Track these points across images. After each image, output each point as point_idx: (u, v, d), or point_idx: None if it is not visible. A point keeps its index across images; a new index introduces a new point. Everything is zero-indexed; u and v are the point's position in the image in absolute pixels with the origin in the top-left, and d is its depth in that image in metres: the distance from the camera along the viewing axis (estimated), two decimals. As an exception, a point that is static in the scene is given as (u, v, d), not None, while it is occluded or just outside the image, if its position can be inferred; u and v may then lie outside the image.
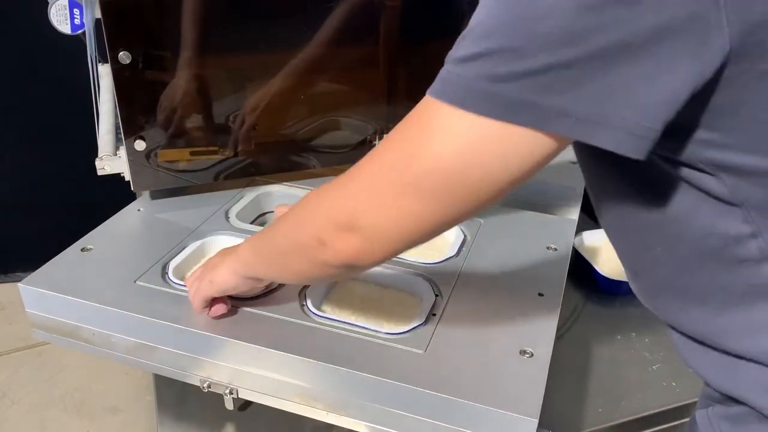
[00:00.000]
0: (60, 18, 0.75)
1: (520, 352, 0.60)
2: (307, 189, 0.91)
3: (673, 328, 0.50)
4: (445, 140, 0.38)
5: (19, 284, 0.67)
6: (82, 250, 0.74)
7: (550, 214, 0.89)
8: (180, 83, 0.80)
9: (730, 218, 0.40)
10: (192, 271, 0.67)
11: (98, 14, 0.72)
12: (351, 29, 0.86)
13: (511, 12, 0.35)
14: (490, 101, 0.36)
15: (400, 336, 0.62)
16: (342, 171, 0.99)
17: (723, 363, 0.46)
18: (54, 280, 0.68)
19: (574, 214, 0.92)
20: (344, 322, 0.64)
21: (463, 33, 0.38)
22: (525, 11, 0.35)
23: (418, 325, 0.64)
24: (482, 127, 0.37)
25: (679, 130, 0.37)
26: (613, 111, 0.35)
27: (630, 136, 0.35)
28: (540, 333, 0.63)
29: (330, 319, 0.64)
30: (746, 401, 0.45)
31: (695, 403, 0.75)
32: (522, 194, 0.94)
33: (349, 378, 0.58)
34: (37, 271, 0.70)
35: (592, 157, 0.45)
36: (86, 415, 1.42)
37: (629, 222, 0.46)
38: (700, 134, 0.38)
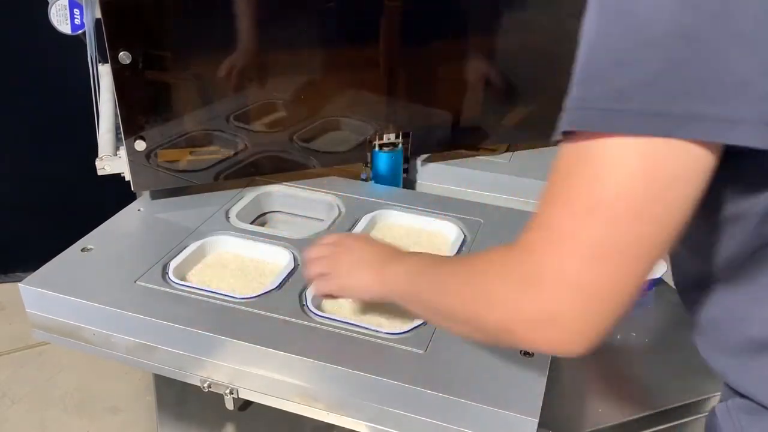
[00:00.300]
0: (60, 18, 0.76)
1: (521, 352, 0.60)
2: (308, 189, 0.91)
3: (702, 323, 0.49)
4: (612, 177, 0.36)
5: (19, 284, 0.67)
6: (82, 250, 0.74)
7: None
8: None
9: None
10: (320, 245, 0.63)
11: (98, 14, 0.72)
12: (351, 29, 0.86)
13: (617, 24, 0.35)
14: (627, 119, 0.35)
15: (400, 336, 0.62)
16: (342, 171, 0.99)
17: (744, 362, 0.46)
18: (54, 280, 0.68)
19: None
20: (344, 322, 0.64)
21: (580, 58, 0.37)
22: (631, 20, 0.34)
23: (418, 325, 0.64)
24: (639, 147, 0.35)
25: None
26: (741, 104, 0.34)
27: (761, 127, 0.34)
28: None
29: (330, 318, 0.64)
30: (762, 402, 0.45)
31: (695, 403, 0.76)
32: (522, 194, 0.94)
33: (349, 378, 0.58)
34: (38, 271, 0.70)
35: None
36: (86, 415, 1.41)
37: (717, 215, 0.43)
38: None
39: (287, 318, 0.64)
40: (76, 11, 0.76)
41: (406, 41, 0.88)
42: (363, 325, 0.63)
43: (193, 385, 0.65)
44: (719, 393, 0.76)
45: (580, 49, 0.37)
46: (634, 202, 0.36)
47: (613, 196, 0.36)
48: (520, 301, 0.40)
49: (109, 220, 0.81)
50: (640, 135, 0.35)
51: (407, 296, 0.54)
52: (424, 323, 0.64)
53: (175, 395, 0.75)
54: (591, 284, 0.37)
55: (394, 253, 0.58)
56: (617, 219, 0.36)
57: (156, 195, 0.87)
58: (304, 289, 0.69)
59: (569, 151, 0.38)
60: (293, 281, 0.70)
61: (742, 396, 0.47)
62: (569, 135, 0.38)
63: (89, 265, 0.72)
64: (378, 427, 0.59)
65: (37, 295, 0.67)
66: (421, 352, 0.60)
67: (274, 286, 0.69)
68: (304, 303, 0.66)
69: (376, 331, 0.63)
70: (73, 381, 1.49)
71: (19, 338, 1.58)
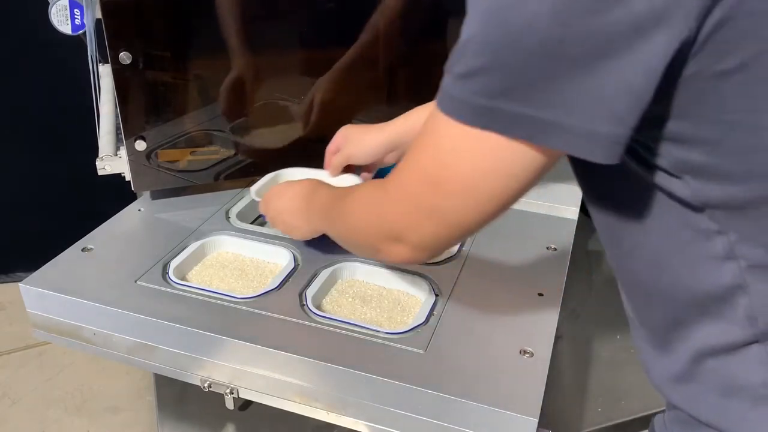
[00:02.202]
0: (60, 18, 0.76)
1: (520, 352, 0.61)
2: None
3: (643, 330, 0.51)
4: (458, 159, 0.42)
5: (19, 284, 0.68)
6: (83, 250, 0.74)
7: (550, 214, 0.89)
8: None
9: (695, 219, 0.42)
10: (264, 198, 0.73)
11: (99, 14, 0.72)
12: (351, 29, 0.86)
13: (495, 29, 0.37)
14: (491, 117, 0.38)
15: (400, 336, 0.62)
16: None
17: (678, 375, 0.47)
18: (55, 280, 0.68)
19: (574, 214, 0.92)
20: (344, 322, 0.64)
21: (457, 46, 0.40)
22: (507, 27, 0.36)
23: (418, 325, 0.64)
24: (488, 141, 0.39)
25: (645, 131, 0.39)
26: (596, 121, 0.37)
27: (612, 145, 0.37)
28: (540, 333, 0.64)
29: (330, 318, 0.64)
30: (696, 416, 0.46)
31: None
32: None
33: (349, 377, 0.58)
34: (38, 271, 0.70)
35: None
36: (86, 415, 1.42)
37: (608, 218, 0.48)
38: (664, 134, 0.39)
39: (287, 318, 0.64)
40: (77, 11, 0.76)
41: (406, 40, 0.88)
42: (363, 325, 0.64)
43: (193, 385, 0.65)
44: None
45: (462, 32, 0.39)
46: (471, 188, 0.43)
47: (445, 175, 0.43)
48: (380, 229, 0.51)
49: (110, 220, 0.82)
50: (501, 133, 0.39)
51: (330, 234, 0.64)
52: (425, 323, 0.64)
53: (175, 395, 0.75)
54: (429, 229, 0.47)
55: (309, 194, 0.68)
56: (454, 197, 0.43)
57: (156, 195, 0.87)
58: (305, 288, 0.69)
59: (437, 121, 0.42)
60: (293, 281, 0.70)
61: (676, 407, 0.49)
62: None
63: (90, 265, 0.72)
64: (378, 426, 0.59)
65: (37, 294, 0.67)
66: (421, 351, 0.60)
67: (274, 286, 0.69)
68: (304, 303, 0.67)
69: (376, 330, 0.63)
70: (73, 381, 1.49)
71: (19, 338, 1.58)
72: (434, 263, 0.75)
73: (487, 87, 0.38)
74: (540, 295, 0.69)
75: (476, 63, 0.38)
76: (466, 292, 0.70)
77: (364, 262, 0.75)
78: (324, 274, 0.72)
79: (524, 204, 0.93)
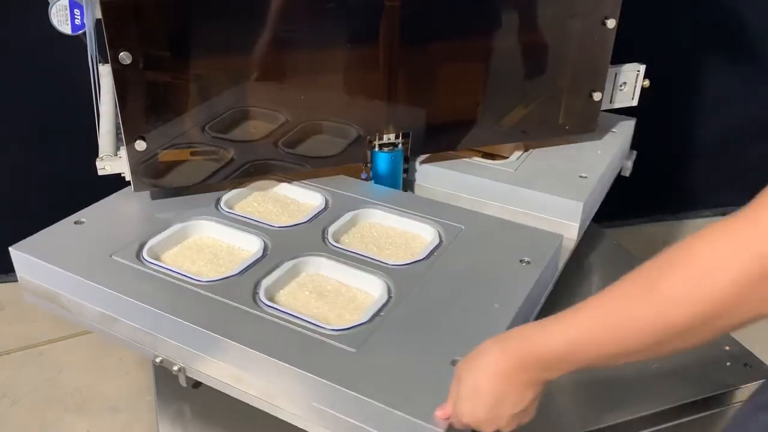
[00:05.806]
0: (61, 18, 0.85)
1: (452, 363, 0.65)
2: (301, 184, 1.00)
3: None
4: None
5: (10, 248, 0.81)
6: (76, 222, 0.87)
7: (538, 226, 0.92)
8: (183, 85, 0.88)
9: None
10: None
11: (99, 15, 0.81)
12: (350, 30, 0.94)
13: None
14: None
15: (340, 333, 0.69)
16: (346, 170, 1.04)
17: None
18: (41, 248, 0.82)
19: (567, 230, 0.95)
20: (290, 315, 0.72)
21: None
22: None
23: (359, 324, 0.71)
24: None
25: None
26: None
27: None
28: (475, 346, 0.60)
29: (279, 310, 0.73)
30: None
31: (694, 402, 0.80)
32: (520, 204, 1.00)
33: (277, 369, 0.66)
34: (30, 237, 0.84)
35: None
36: (86, 415, 1.50)
37: None
38: None
39: (237, 305, 0.73)
40: (77, 11, 0.85)
41: (406, 41, 0.95)
42: (307, 319, 0.71)
43: (193, 385, 0.75)
44: (718, 393, 0.80)
45: None
46: None
47: None
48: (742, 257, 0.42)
49: (109, 197, 0.93)
50: None
51: (592, 342, 0.50)
52: (368, 322, 0.71)
53: (175, 395, 0.83)
54: None
55: (524, 336, 0.54)
56: None
57: (156, 195, 0.96)
58: (262, 278, 0.78)
59: None
60: (257, 270, 0.79)
61: None
62: None
63: (76, 238, 0.84)
64: (306, 419, 0.67)
65: (24, 260, 0.81)
66: (353, 350, 0.67)
67: (235, 273, 0.78)
68: (257, 292, 0.76)
69: (322, 327, 0.70)
70: (73, 381, 1.58)
71: (19, 338, 1.63)
72: (400, 264, 0.81)
73: None
74: (495, 307, 0.74)
75: None
76: (423, 297, 0.76)
77: (329, 258, 0.82)
78: (286, 266, 0.80)
79: (520, 215, 0.97)
